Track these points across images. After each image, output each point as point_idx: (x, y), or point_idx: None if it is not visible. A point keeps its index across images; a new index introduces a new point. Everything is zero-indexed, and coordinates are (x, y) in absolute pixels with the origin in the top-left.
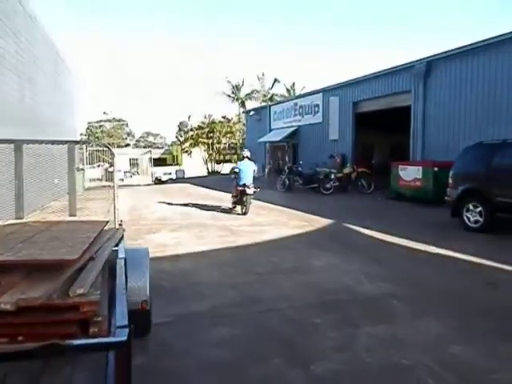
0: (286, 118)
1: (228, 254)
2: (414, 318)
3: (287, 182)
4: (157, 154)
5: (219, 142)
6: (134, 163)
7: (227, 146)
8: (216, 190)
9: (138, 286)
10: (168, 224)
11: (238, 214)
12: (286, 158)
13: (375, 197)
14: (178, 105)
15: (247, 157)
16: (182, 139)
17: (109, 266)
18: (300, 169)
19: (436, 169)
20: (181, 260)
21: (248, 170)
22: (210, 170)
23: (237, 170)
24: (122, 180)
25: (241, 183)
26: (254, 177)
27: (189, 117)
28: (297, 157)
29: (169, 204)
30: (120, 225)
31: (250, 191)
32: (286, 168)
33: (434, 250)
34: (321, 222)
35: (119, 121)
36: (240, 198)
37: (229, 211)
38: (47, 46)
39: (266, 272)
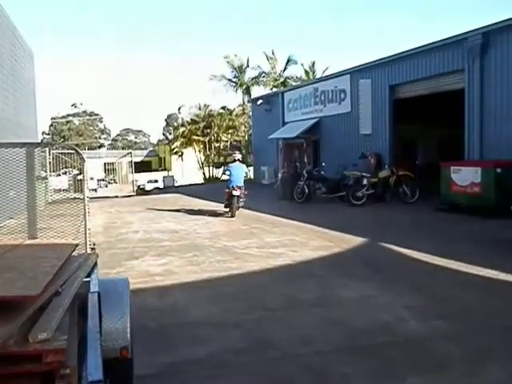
0: (303, 107)
1: (231, 285)
2: (472, 365)
3: (306, 190)
4: (139, 156)
5: (218, 140)
6: (110, 169)
7: (229, 144)
8: (214, 201)
9: (115, 329)
10: (154, 246)
11: (227, 217)
12: (305, 159)
13: (421, 207)
14: (165, 94)
15: (238, 160)
16: (170, 137)
17: (79, 302)
18: (323, 173)
19: (499, 170)
20: (171, 293)
21: (238, 172)
22: (208, 176)
23: (228, 173)
24: (96, 190)
25: (230, 185)
26: (244, 179)
27: (179, 108)
28: (318, 157)
29: (155, 221)
30: (93, 249)
31: (236, 193)
32: (304, 172)
33: (495, 276)
34: (350, 241)
35: (91, 115)
36: (229, 202)
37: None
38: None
39: (280, 307)
